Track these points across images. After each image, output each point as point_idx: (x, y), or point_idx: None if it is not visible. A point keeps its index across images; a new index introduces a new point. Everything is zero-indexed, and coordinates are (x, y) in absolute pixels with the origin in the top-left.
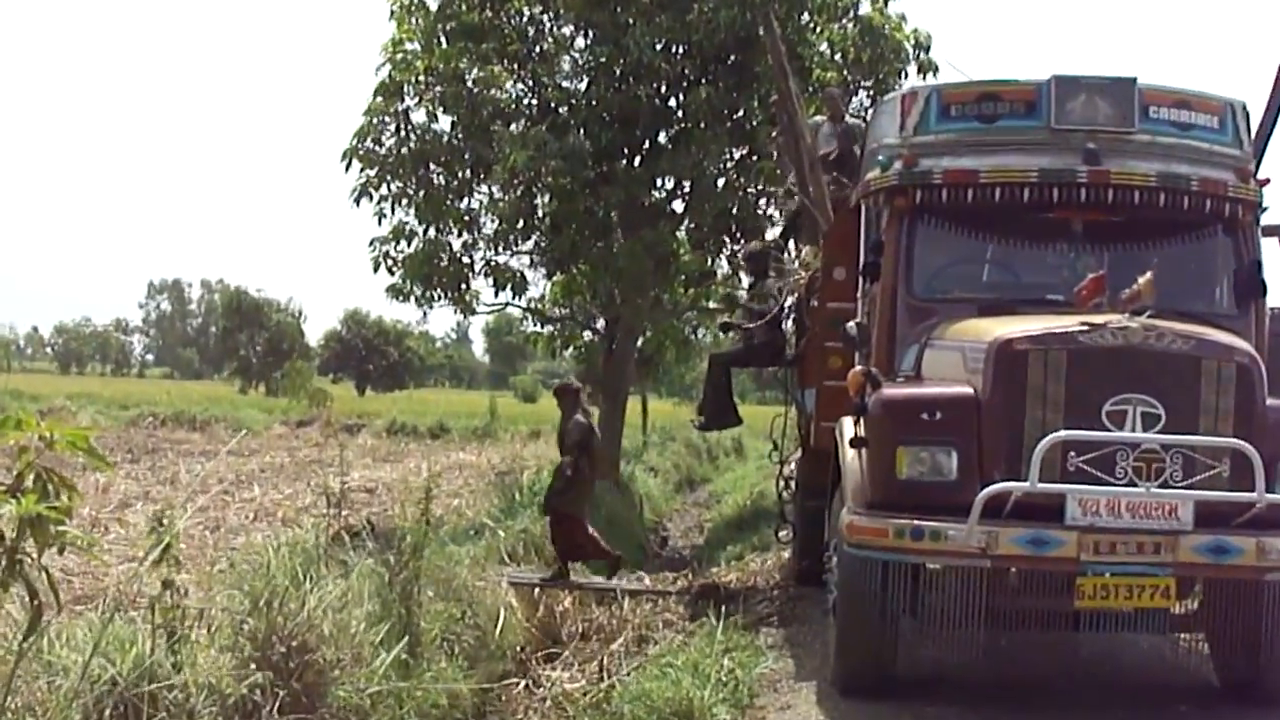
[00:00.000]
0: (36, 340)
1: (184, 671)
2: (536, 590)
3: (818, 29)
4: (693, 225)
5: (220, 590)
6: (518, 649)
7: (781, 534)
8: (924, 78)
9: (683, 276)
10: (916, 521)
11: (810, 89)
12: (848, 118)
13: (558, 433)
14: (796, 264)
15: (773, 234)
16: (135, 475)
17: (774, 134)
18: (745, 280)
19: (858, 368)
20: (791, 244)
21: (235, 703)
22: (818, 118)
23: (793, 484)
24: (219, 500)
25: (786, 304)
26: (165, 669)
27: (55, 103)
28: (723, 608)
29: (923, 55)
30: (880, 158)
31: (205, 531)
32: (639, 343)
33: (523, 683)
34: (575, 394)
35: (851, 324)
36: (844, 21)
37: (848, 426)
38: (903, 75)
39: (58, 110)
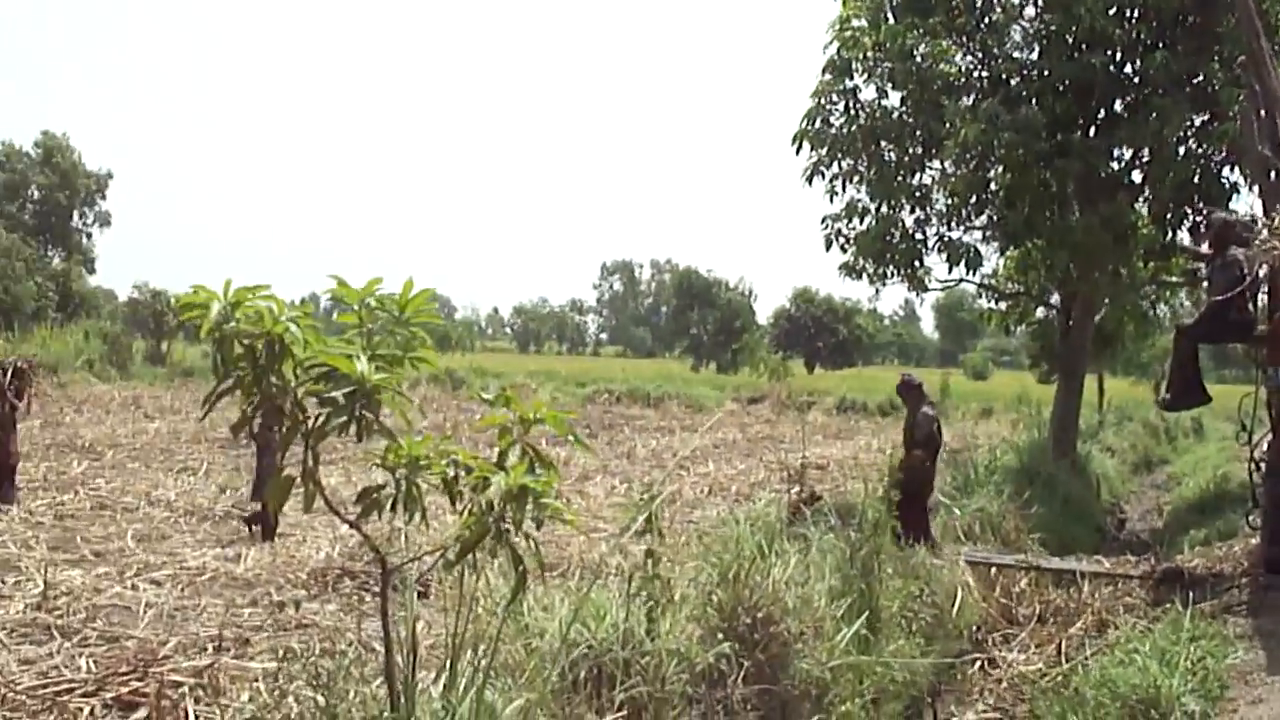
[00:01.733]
0: (497, 321)
1: (657, 639)
2: (993, 570)
3: None
4: (1152, 196)
5: (689, 561)
6: (974, 628)
7: (1251, 519)
8: None
9: (1142, 250)
10: None
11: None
12: None
13: (905, 427)
14: (1267, 234)
15: (1239, 203)
16: (593, 449)
17: (1240, 98)
18: (1204, 250)
19: None
20: (1260, 213)
21: (702, 670)
22: None
23: (1262, 466)
24: (674, 475)
25: (1259, 274)
26: (639, 636)
27: (515, 105)
28: (1188, 594)
29: None
30: None
31: (662, 505)
32: (1096, 319)
33: (979, 662)
34: (919, 389)
35: None
36: None
37: None
38: None
39: (512, 111)
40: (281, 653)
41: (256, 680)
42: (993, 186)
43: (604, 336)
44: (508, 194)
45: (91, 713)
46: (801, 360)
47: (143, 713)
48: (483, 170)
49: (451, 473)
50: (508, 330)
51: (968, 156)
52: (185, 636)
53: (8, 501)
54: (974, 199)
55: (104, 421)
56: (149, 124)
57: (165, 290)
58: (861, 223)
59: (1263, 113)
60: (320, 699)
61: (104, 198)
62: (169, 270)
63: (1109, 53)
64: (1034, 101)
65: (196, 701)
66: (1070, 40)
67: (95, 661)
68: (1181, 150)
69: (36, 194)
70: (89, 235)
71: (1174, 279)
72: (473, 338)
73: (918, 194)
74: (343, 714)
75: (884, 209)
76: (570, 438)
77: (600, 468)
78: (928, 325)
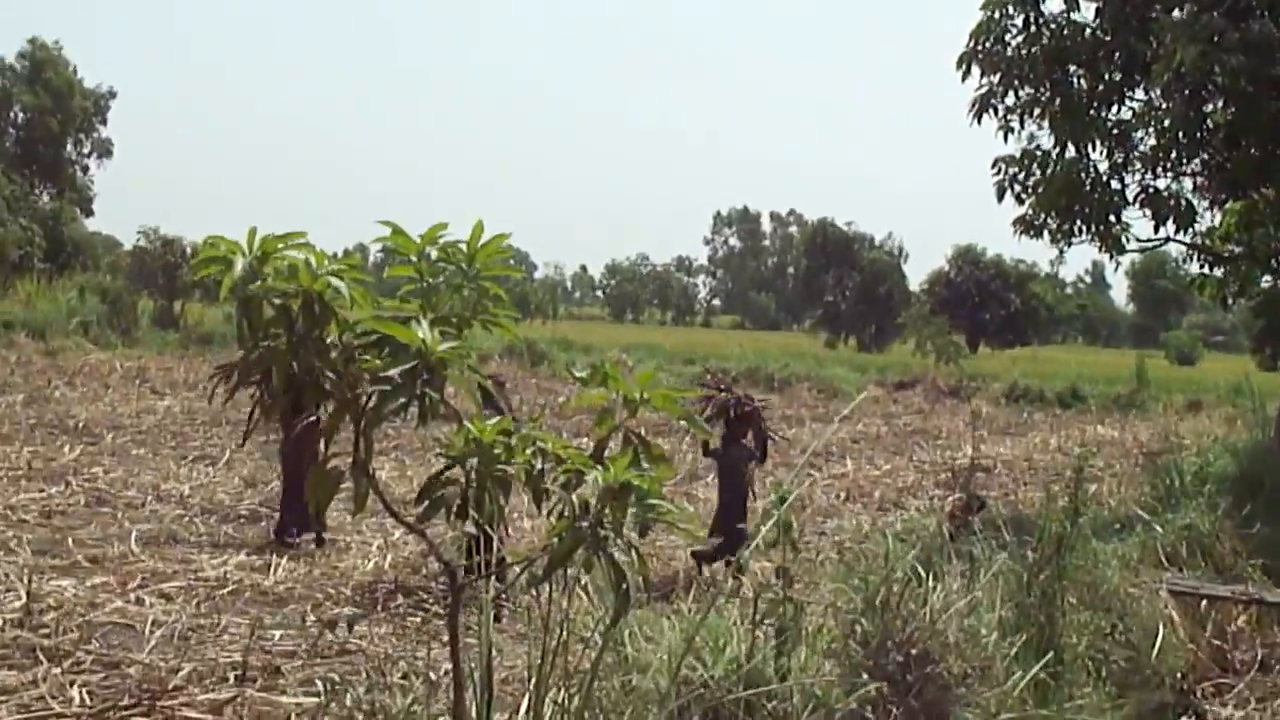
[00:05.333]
0: (585, 282)
1: (787, 678)
2: (1203, 603)
3: None
4: None
5: (826, 583)
6: (1178, 676)
7: None
8: None
9: None
10: None
11: None
12: None
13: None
14: None
15: None
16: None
17: None
18: None
19: None
20: None
21: (843, 717)
22: None
23: None
24: (803, 475)
25: None
26: (766, 673)
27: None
28: None
29: None
30: None
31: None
32: None
33: (1184, 719)
34: None
35: None
36: None
37: None
38: None
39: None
40: (321, 686)
41: (289, 719)
42: (1212, 123)
43: (717, 303)
44: (596, 125)
45: None
46: (963, 336)
47: None
48: (564, 94)
49: (537, 465)
50: (599, 294)
51: (1181, 84)
52: (201, 663)
53: None
54: (1187, 138)
55: (102, 398)
56: (161, 29)
57: (179, 238)
58: (1043, 167)
59: None
60: None
61: (104, 123)
62: (184, 215)
63: None
64: (1266, 15)
65: None
66: None
67: (90, 692)
68: None
69: (21, 116)
70: (85, 169)
71: None
72: (555, 302)
73: (1115, 132)
74: None
75: (1071, 150)
76: (683, 422)
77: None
78: (1120, 295)
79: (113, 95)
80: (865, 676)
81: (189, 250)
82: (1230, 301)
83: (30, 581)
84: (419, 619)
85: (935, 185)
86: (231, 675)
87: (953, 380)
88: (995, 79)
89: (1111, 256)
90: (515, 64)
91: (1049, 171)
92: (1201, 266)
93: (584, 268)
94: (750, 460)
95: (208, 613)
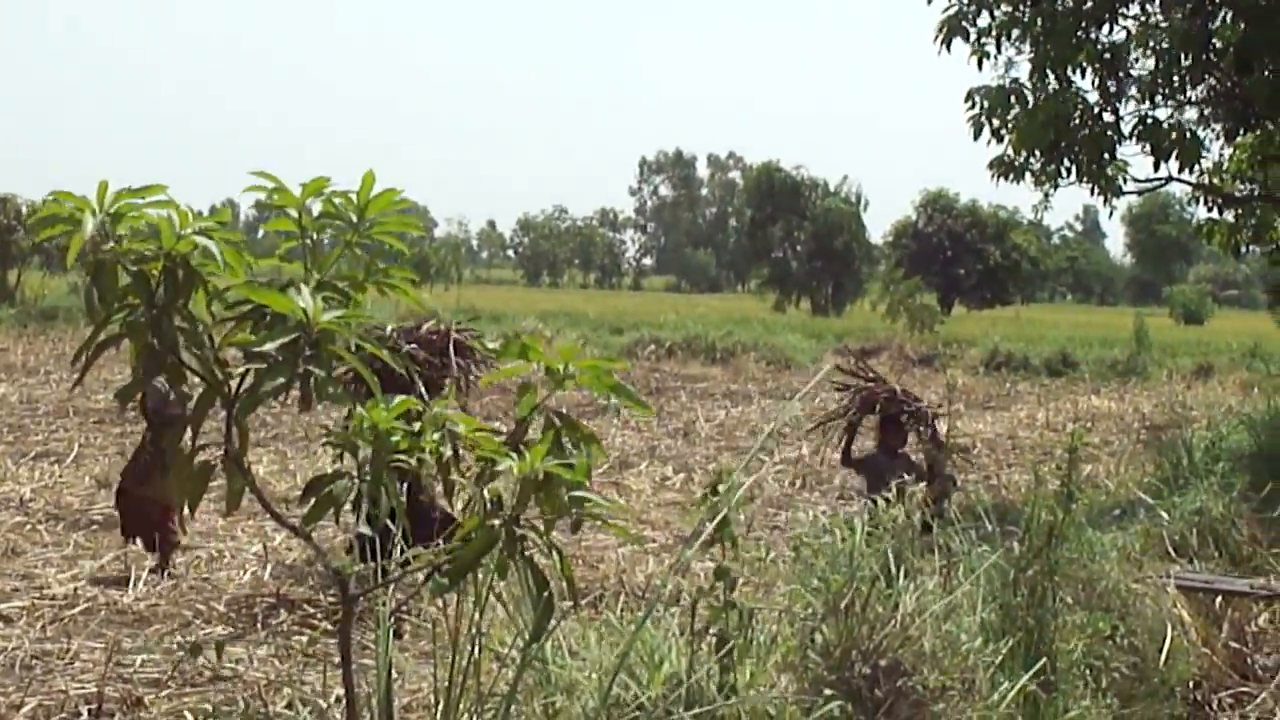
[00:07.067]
0: (495, 239)
1: (734, 695)
2: (1218, 600)
3: None
4: None
5: (780, 585)
6: (1191, 684)
7: None
8: None
9: None
10: None
11: None
12: None
13: None
14: None
15: None
16: (636, 423)
17: None
18: None
19: None
20: None
21: None
22: None
23: None
24: (753, 461)
25: None
26: (709, 691)
27: None
28: None
29: None
30: None
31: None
32: None
33: None
34: None
35: None
36: None
37: None
38: None
39: None
40: (191, 719)
41: None
42: (1219, 42)
43: (648, 262)
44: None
45: None
46: (935, 295)
47: None
48: (464, 27)
49: (448, 451)
50: (510, 254)
51: None
52: (49, 696)
53: None
54: (1190, 61)
55: None
56: None
57: (12, 196)
58: (1024, 99)
59: None
60: None
61: None
62: (20, 170)
63: None
64: None
65: None
66: None
67: None
68: None
69: None
70: None
71: None
72: (459, 263)
73: (1106, 55)
74: None
75: (1057, 78)
76: (613, 397)
77: (645, 450)
78: (1116, 245)
79: None
80: (827, 692)
81: (24, 210)
82: (1243, 250)
83: None
84: (305, 638)
85: (897, 122)
86: (85, 710)
87: (924, 347)
88: None
89: (1106, 200)
90: None
91: (1031, 103)
92: (1209, 209)
93: (492, 224)
94: (910, 477)
95: (55, 636)
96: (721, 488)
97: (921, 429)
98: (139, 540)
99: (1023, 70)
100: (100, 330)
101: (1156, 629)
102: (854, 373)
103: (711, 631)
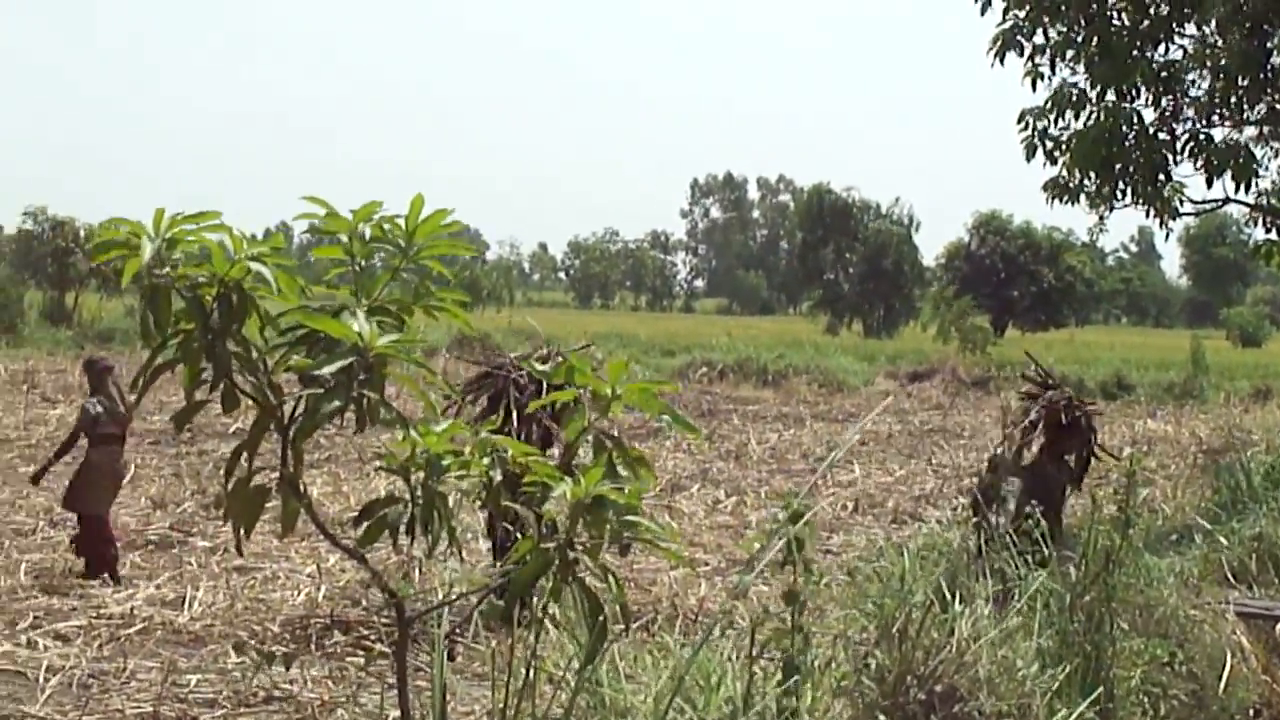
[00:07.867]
0: (546, 262)
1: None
2: (1278, 626)
3: None
4: None
5: (835, 609)
6: (1250, 711)
7: None
8: None
9: None
10: None
11: None
12: None
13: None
14: None
15: None
16: (688, 446)
17: None
18: None
19: None
20: None
21: None
22: None
23: None
24: (804, 483)
25: None
26: (768, 716)
27: None
28: None
29: None
30: None
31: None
32: None
33: None
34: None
35: None
36: None
37: None
38: None
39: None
40: None
41: None
42: (1277, 61)
43: (699, 284)
44: (552, 84)
45: None
46: (988, 317)
47: None
48: (516, 50)
49: (496, 476)
50: (561, 276)
51: (1240, 17)
52: (106, 714)
53: None
54: (1248, 80)
55: None
56: None
57: (71, 220)
58: (1079, 118)
59: None
60: None
61: None
62: (78, 193)
63: None
64: None
65: None
66: None
67: None
68: None
69: None
70: None
71: None
72: (511, 286)
73: (1163, 75)
74: None
75: (1112, 97)
76: (665, 419)
77: (697, 473)
78: (1172, 266)
79: None
80: (882, 718)
81: (83, 234)
82: None
83: None
84: (360, 659)
85: (950, 144)
86: None
87: (977, 370)
88: (1022, 14)
89: (1161, 222)
90: (459, 13)
91: (1085, 123)
92: (1268, 230)
93: (544, 246)
94: (1067, 486)
95: (112, 656)
96: (783, 513)
97: (1082, 440)
98: (90, 560)
99: (1078, 87)
100: (156, 354)
101: (1215, 656)
102: (1043, 384)
103: (769, 655)
